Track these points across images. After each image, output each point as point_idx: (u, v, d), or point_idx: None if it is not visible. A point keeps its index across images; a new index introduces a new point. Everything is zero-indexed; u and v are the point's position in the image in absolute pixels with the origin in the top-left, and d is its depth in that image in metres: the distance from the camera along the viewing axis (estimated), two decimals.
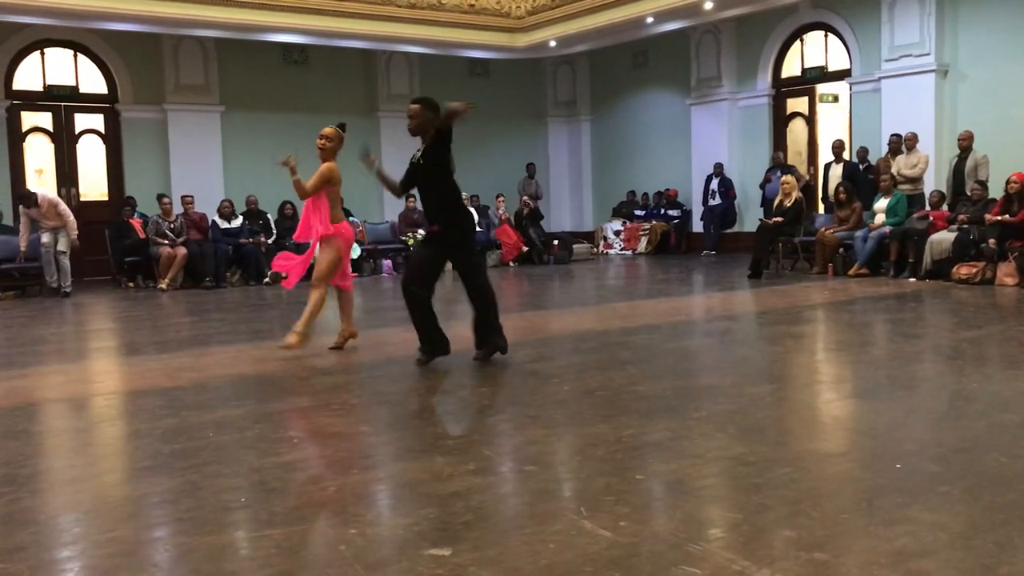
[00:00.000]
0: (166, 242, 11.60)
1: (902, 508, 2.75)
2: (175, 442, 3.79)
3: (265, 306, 9.61)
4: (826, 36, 13.49)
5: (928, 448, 3.48)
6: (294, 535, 2.67)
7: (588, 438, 3.70)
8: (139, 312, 9.26)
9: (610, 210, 16.72)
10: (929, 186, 10.95)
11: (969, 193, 9.99)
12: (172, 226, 11.78)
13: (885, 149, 11.58)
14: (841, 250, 10.83)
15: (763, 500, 2.86)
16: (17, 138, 13.06)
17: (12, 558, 2.55)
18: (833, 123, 13.87)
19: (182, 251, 11.55)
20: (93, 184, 13.75)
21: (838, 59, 13.33)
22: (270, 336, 7.22)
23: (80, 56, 13.41)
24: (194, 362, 5.89)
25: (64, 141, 13.42)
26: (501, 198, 14.97)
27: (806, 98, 14.03)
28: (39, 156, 13.39)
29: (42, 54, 13.20)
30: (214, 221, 12.33)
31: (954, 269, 9.35)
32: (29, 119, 13.23)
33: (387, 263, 13.49)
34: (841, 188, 11.06)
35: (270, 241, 12.48)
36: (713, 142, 14.87)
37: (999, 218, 9.25)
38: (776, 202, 11.20)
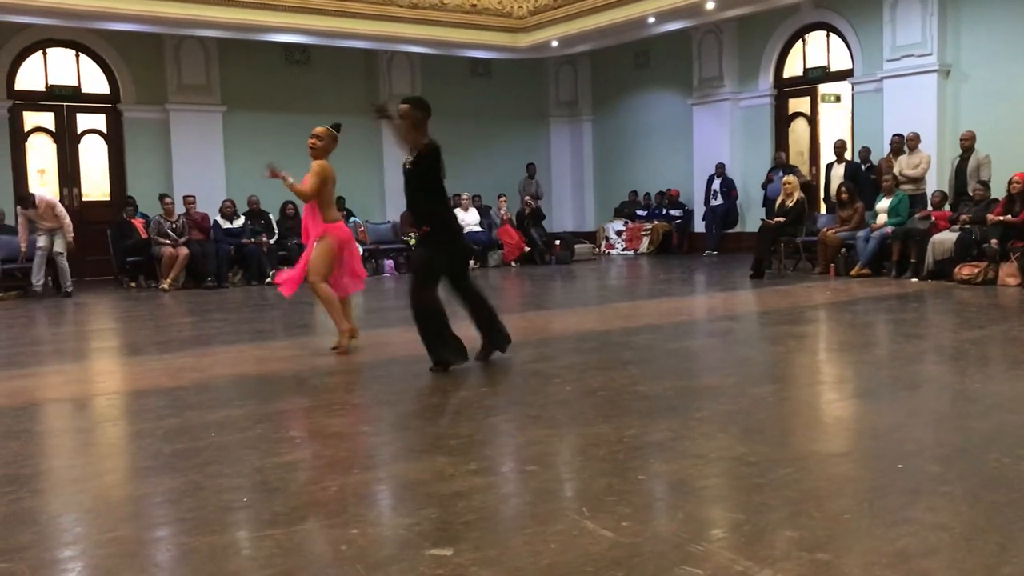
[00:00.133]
0: (168, 242, 11.61)
1: (904, 508, 2.74)
2: (177, 442, 3.79)
3: (267, 306, 9.61)
4: (828, 36, 13.48)
5: (930, 448, 3.48)
6: (296, 535, 2.67)
7: (590, 438, 3.70)
8: (141, 312, 9.26)
9: (612, 210, 16.72)
10: (931, 186, 10.95)
11: (971, 193, 9.98)
12: (174, 226, 11.79)
13: (887, 149, 11.56)
14: (843, 250, 10.82)
15: (765, 500, 2.86)
16: (19, 138, 13.07)
17: (14, 558, 2.55)
18: (835, 123, 13.88)
19: (184, 251, 11.56)
20: (95, 184, 13.76)
21: (840, 59, 13.32)
22: (272, 336, 7.23)
23: (82, 56, 13.42)
24: (196, 362, 5.89)
25: (66, 141, 13.43)
26: (503, 198, 14.97)
27: (808, 98, 14.03)
28: (41, 156, 13.40)
29: (44, 54, 13.22)
30: (216, 221, 12.34)
31: (956, 269, 9.34)
32: (31, 119, 13.24)
33: (389, 263, 13.50)
34: (843, 188, 11.05)
35: (272, 241, 12.49)
36: (715, 142, 14.86)
37: (1001, 218, 9.24)
38: (778, 202, 11.19)
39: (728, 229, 14.68)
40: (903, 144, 11.13)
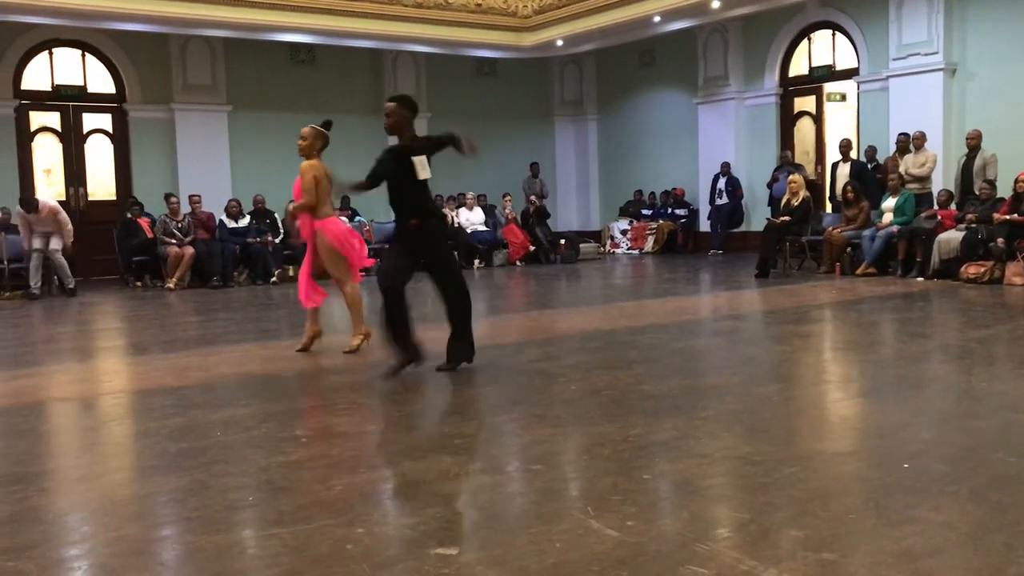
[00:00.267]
0: (173, 241, 11.63)
1: (910, 508, 2.74)
2: (182, 441, 3.80)
3: (272, 305, 9.63)
4: (834, 35, 13.44)
5: (936, 448, 3.47)
6: (301, 534, 2.67)
7: (595, 437, 3.70)
8: (147, 311, 9.28)
9: (617, 209, 16.70)
10: (937, 185, 10.91)
11: (977, 192, 9.95)
12: (180, 225, 11.82)
13: (893, 148, 11.54)
14: (849, 249, 10.80)
15: (770, 500, 2.85)
16: (25, 138, 13.10)
17: (20, 556, 2.56)
18: (841, 122, 13.84)
19: (189, 251, 11.58)
20: (101, 184, 13.78)
21: (846, 58, 13.29)
22: (277, 336, 7.24)
23: (88, 56, 13.45)
24: (201, 361, 5.90)
25: (72, 141, 13.45)
26: (508, 197, 14.96)
27: (813, 97, 13.99)
28: (47, 156, 13.43)
29: (50, 54, 13.24)
30: (221, 220, 12.36)
31: (962, 268, 9.32)
32: (37, 119, 13.27)
33: None
34: (849, 187, 11.02)
35: (277, 240, 12.50)
36: (720, 141, 14.84)
37: (1007, 217, 9.21)
38: (783, 201, 11.18)
39: (733, 228, 14.65)
40: (909, 143, 11.10)
